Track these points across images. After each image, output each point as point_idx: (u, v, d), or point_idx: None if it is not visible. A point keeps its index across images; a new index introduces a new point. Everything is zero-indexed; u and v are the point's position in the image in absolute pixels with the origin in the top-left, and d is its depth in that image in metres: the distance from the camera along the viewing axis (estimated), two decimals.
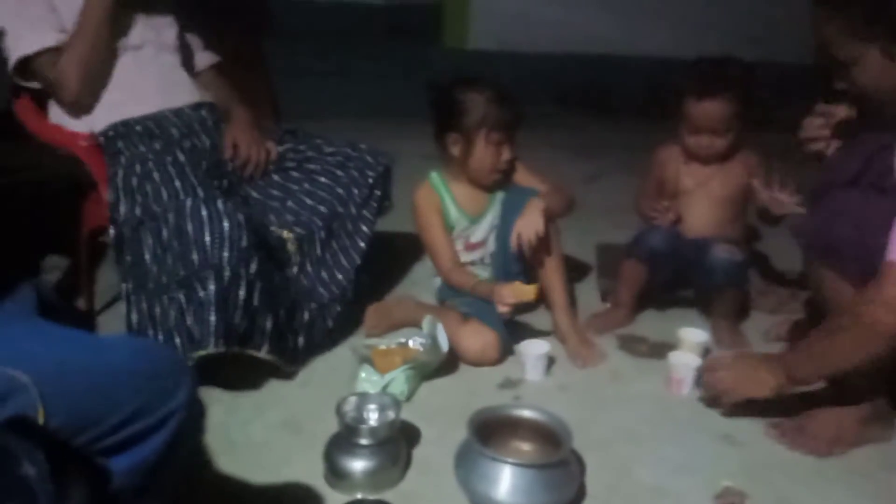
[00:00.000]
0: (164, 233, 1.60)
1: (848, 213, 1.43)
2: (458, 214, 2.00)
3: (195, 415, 0.90)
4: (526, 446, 1.48)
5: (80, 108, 1.84)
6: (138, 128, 1.83)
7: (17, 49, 1.79)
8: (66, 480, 0.71)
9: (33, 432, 0.70)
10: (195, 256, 1.55)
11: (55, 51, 1.78)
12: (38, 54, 1.78)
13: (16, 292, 0.91)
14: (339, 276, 1.92)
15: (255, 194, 1.93)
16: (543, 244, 1.88)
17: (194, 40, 2.09)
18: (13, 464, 0.66)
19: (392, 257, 2.36)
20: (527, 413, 1.47)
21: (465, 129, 1.90)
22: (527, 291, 1.78)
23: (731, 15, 6.33)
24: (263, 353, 1.65)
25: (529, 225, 1.84)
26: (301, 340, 1.80)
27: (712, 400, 1.65)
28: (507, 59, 5.37)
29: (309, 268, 1.88)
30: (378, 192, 2.00)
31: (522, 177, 2.03)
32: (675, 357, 1.80)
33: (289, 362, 1.74)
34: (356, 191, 1.96)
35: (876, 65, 1.37)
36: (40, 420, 0.73)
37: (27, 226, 2.45)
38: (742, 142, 2.04)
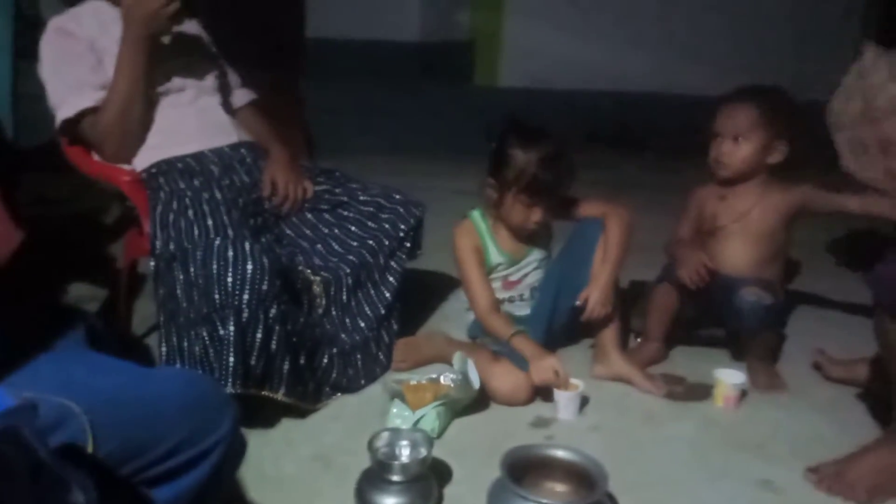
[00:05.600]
0: (192, 269, 1.62)
1: None
2: (499, 256, 1.99)
3: (236, 447, 0.91)
4: (559, 487, 1.46)
5: (121, 161, 1.89)
6: (179, 165, 1.87)
7: (59, 112, 1.84)
8: None
9: (83, 460, 0.72)
10: (217, 296, 1.57)
11: (95, 110, 1.83)
12: (80, 115, 1.83)
13: (66, 323, 0.94)
14: (362, 325, 1.93)
15: (288, 231, 1.96)
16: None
17: (233, 78, 2.15)
18: (64, 491, 0.68)
19: (424, 292, 2.36)
20: (561, 453, 1.46)
21: (500, 180, 1.89)
22: (564, 383, 1.79)
23: (763, 54, 6.34)
24: (280, 396, 1.66)
25: (602, 302, 1.89)
26: (318, 383, 1.80)
27: None
28: (538, 97, 5.42)
29: (333, 312, 1.89)
30: (408, 245, 2.01)
31: (580, 209, 2.02)
32: (722, 374, 1.86)
33: (307, 403, 1.75)
34: (386, 242, 1.96)
35: None
36: (90, 448, 0.75)
37: (67, 255, 2.52)
38: (779, 181, 2.03)
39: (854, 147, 1.56)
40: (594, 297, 1.89)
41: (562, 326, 2.03)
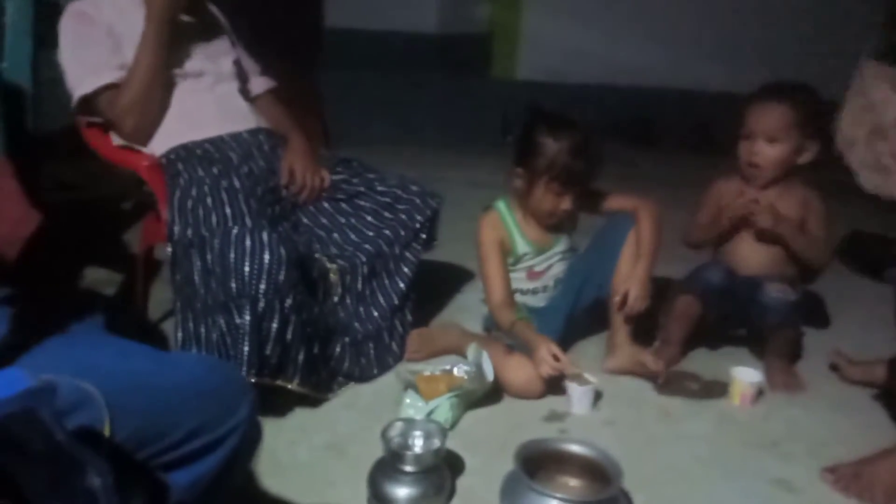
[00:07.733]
0: (209, 257, 1.63)
1: None
2: (525, 246, 1.98)
3: (253, 434, 0.91)
4: (573, 482, 1.45)
5: (139, 140, 1.90)
6: (198, 151, 1.87)
7: (77, 89, 1.84)
8: (128, 493, 0.72)
9: (100, 444, 0.72)
10: (233, 285, 1.58)
11: (114, 87, 1.83)
12: (97, 92, 1.84)
13: (84, 306, 0.94)
14: (376, 314, 1.93)
15: (305, 220, 1.96)
16: None
17: (251, 66, 2.15)
18: (80, 474, 0.67)
19: (438, 284, 2.36)
20: (575, 448, 1.45)
21: (530, 169, 1.88)
22: (565, 367, 1.76)
23: (780, 52, 6.27)
24: (294, 385, 1.67)
25: (642, 296, 1.88)
26: (331, 372, 1.81)
27: None
28: (555, 90, 5.39)
29: (348, 301, 1.89)
30: (423, 236, 2.00)
31: (609, 203, 2.01)
32: (738, 372, 1.85)
33: (320, 392, 1.76)
34: (402, 232, 1.96)
35: None
36: (106, 432, 0.75)
37: (85, 240, 2.53)
38: (800, 176, 2.00)
39: (870, 165, 1.54)
40: (634, 291, 1.88)
41: (582, 316, 2.02)
